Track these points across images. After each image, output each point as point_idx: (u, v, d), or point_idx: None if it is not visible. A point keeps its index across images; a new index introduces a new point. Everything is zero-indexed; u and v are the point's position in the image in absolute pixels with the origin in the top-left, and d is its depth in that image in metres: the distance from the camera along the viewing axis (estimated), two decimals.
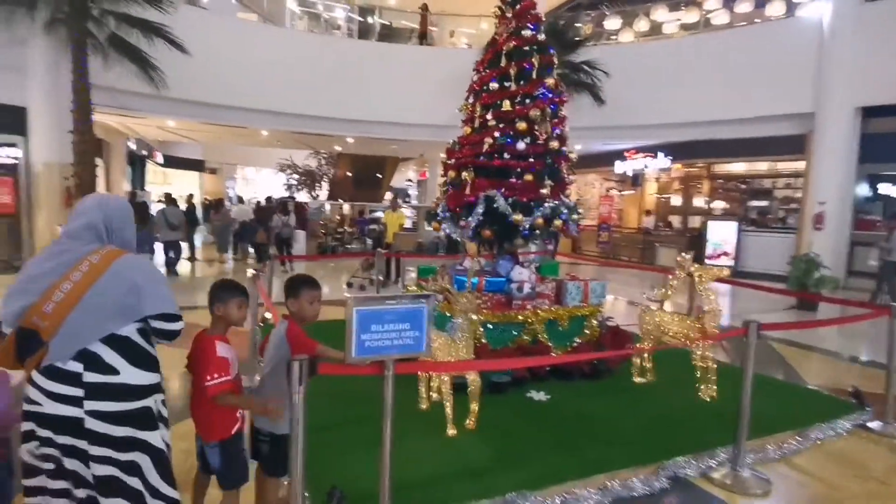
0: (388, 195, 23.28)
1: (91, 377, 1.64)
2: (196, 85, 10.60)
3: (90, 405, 1.64)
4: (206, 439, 2.14)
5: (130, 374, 1.70)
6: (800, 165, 11.89)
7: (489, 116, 4.44)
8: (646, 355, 4.46)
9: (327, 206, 17.93)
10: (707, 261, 12.09)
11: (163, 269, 10.30)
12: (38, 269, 1.66)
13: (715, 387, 4.10)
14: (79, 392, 1.63)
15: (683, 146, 13.76)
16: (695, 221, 14.80)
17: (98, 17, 8.92)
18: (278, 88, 11.74)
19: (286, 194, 21.73)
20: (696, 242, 12.91)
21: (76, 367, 1.63)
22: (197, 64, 9.82)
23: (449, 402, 3.34)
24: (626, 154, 15.50)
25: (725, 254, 12.33)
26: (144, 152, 17.83)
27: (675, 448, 3.19)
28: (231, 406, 2.11)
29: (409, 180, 27.13)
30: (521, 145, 4.26)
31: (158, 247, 10.37)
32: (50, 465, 1.68)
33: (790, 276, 8.32)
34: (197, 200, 15.61)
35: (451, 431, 3.30)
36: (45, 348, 1.61)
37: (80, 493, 1.70)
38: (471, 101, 4.70)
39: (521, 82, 4.36)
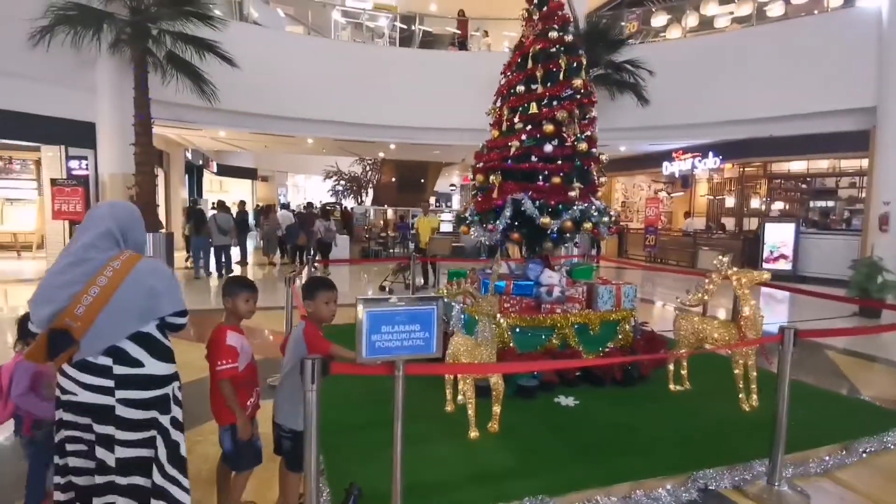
0: (432, 200, 23.51)
1: (120, 370, 1.85)
2: (245, 96, 11.10)
3: (120, 394, 1.85)
4: (218, 422, 2.33)
5: (153, 366, 1.91)
6: (865, 163, 11.13)
7: (516, 119, 4.43)
8: (683, 362, 4.31)
9: (371, 212, 18.29)
10: (764, 264, 11.55)
11: (215, 273, 10.87)
12: (61, 279, 1.81)
13: (756, 396, 3.91)
14: (109, 383, 1.84)
15: (736, 145, 13.17)
16: (751, 223, 14.11)
17: (156, 36, 9.51)
18: (322, 97, 12.12)
19: (332, 200, 22.32)
20: (752, 245, 12.33)
21: (106, 361, 1.84)
22: (245, 76, 10.31)
23: (471, 405, 3.35)
24: (673, 154, 14.99)
25: (783, 257, 11.69)
26: (200, 162, 18.82)
27: (709, 459, 3.07)
28: (227, 399, 2.25)
29: (453, 185, 27.26)
30: (548, 147, 4.22)
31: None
32: (79, 447, 1.89)
33: (851, 281, 7.80)
34: (249, 207, 16.34)
35: (474, 434, 3.31)
36: (77, 345, 1.79)
37: (100, 479, 1.87)
38: (498, 104, 4.70)
39: (548, 84, 4.32)
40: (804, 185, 14.12)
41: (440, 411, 3.74)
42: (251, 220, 16.71)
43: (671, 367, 4.31)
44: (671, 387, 4.26)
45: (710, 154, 13.90)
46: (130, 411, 1.85)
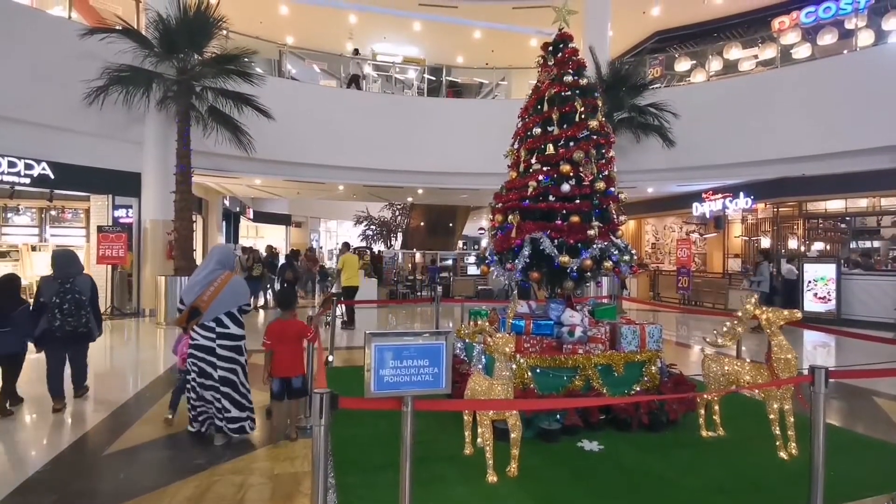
0: (460, 243, 23.61)
1: (218, 329, 3.77)
2: (280, 146, 11.67)
3: (218, 342, 3.76)
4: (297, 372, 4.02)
5: (233, 329, 3.83)
6: None
7: (533, 160, 4.50)
8: (715, 407, 4.12)
9: (400, 255, 18.54)
10: (806, 305, 11.07)
11: None
12: (198, 286, 3.76)
13: (794, 444, 3.69)
14: (213, 336, 3.76)
15: (768, 185, 12.93)
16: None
17: (199, 92, 10.17)
18: (352, 145, 12.63)
19: (362, 244, 22.72)
20: (791, 286, 11.89)
21: (212, 324, 3.76)
22: (281, 127, 10.86)
23: (489, 447, 3.27)
24: (703, 195, 14.81)
25: (822, 299, 11.17)
26: (238, 209, 19.59)
27: None
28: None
29: (482, 229, 27.38)
30: (565, 187, 4.25)
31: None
32: (196, 370, 3.78)
33: None
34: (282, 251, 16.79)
35: (492, 478, 3.22)
36: (201, 316, 3.70)
37: (208, 394, 3.77)
38: (516, 146, 4.80)
39: (564, 126, 4.41)
40: (843, 225, 13.64)
41: (459, 453, 3.65)
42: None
43: (702, 412, 4.12)
44: (703, 433, 4.06)
45: (741, 194, 13.66)
46: (223, 351, 3.76)
